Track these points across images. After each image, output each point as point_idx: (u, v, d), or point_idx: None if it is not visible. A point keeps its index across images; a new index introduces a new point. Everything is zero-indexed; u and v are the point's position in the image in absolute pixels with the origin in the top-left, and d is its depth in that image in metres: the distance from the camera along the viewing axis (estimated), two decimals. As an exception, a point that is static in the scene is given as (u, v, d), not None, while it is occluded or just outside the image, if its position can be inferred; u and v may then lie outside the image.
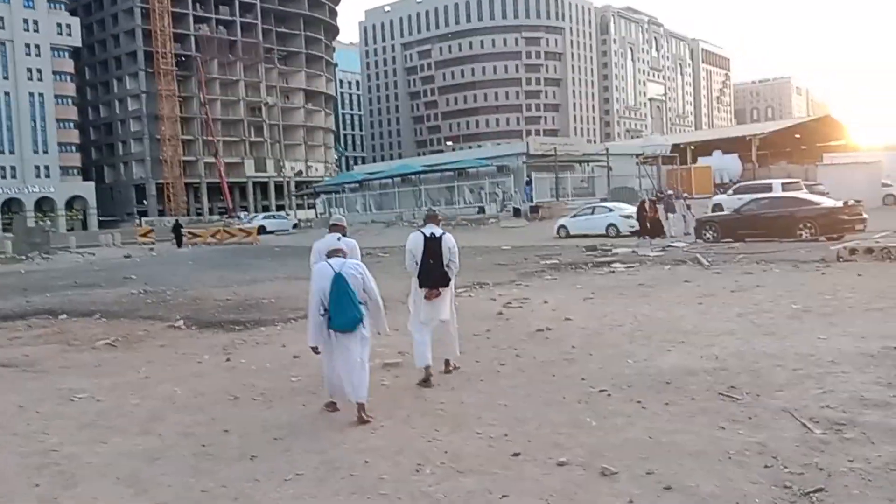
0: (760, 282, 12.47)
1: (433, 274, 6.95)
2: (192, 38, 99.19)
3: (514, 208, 39.61)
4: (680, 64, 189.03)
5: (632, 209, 29.66)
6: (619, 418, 5.42)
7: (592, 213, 29.12)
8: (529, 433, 5.19)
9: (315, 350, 6.00)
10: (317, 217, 58.19)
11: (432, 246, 6.96)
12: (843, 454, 4.36)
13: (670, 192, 34.47)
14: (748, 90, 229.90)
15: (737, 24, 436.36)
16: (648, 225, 22.95)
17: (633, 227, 28.19)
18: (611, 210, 28.68)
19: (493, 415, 5.73)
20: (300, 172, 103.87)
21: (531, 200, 40.47)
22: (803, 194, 22.75)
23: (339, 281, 5.68)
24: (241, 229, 43.00)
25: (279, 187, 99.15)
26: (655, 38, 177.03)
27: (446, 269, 6.99)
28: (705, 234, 22.40)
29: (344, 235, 6.75)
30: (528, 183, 41.70)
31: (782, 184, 32.94)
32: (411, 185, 49.52)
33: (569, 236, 28.52)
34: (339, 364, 5.79)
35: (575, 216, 29.64)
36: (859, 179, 34.31)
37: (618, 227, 27.73)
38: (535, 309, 11.21)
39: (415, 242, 7.06)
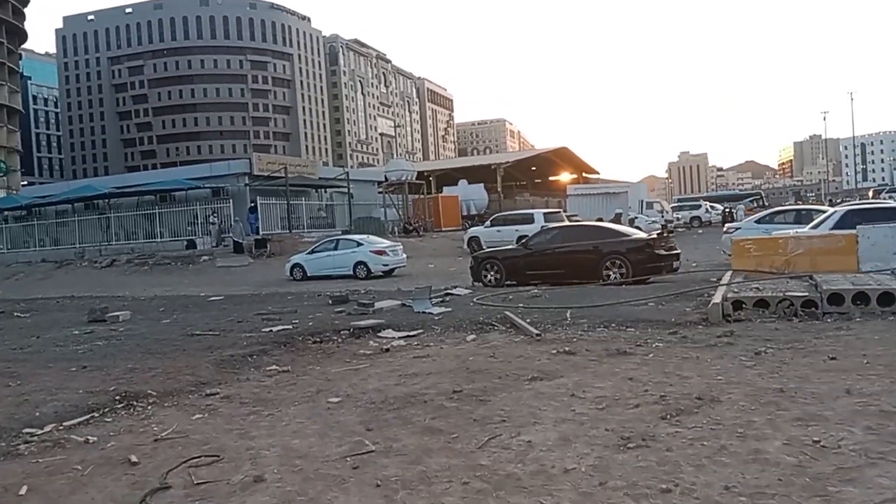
0: (677, 381, 6.56)
1: None
2: None
3: (234, 242, 31.41)
4: (408, 101, 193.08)
5: (384, 243, 23.79)
6: None
7: (336, 248, 22.99)
8: None
9: None
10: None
11: None
12: None
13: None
14: (469, 130, 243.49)
15: (457, 68, 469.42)
16: None
17: (386, 265, 22.31)
18: (359, 244, 22.61)
19: None
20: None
21: (257, 232, 32.66)
22: (606, 224, 18.27)
23: None
24: None
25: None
26: (384, 74, 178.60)
27: None
28: (486, 276, 17.01)
29: None
30: (253, 210, 33.65)
31: (545, 213, 29.60)
32: (98, 212, 38.46)
33: (306, 278, 22.58)
34: None
35: (313, 252, 23.41)
36: (610, 208, 33.02)
37: (368, 265, 21.95)
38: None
39: None
